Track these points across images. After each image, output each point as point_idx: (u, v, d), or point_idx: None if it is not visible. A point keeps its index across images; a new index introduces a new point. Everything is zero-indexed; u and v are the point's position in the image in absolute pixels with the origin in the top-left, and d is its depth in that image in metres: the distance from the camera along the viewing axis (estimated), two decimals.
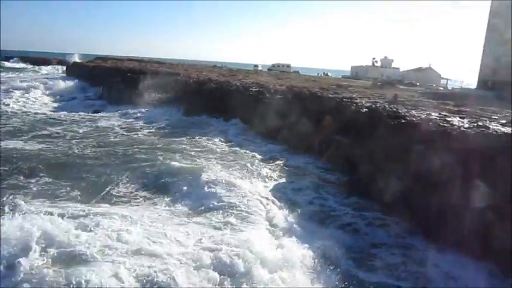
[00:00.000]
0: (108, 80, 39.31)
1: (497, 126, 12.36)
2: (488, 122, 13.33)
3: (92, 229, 9.77)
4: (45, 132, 22.90)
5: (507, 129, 11.73)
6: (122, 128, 25.26)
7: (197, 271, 8.38)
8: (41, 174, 14.56)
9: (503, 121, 13.52)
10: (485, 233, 9.64)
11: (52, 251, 8.53)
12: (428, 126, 13.42)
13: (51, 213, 10.35)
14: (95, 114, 30.22)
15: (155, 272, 8.14)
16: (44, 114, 29.52)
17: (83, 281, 7.54)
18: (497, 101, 23.60)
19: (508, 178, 9.46)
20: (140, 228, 10.32)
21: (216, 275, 8.30)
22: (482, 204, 9.80)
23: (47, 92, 40.30)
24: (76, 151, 18.54)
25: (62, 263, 8.23)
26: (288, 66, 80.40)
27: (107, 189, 13.80)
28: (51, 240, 8.85)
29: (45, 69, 77.43)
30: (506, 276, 8.95)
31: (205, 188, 14.06)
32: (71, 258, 8.35)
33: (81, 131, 23.93)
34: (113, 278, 7.84)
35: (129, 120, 28.21)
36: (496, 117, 14.94)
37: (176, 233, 10.38)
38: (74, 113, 30.07)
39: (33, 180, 13.96)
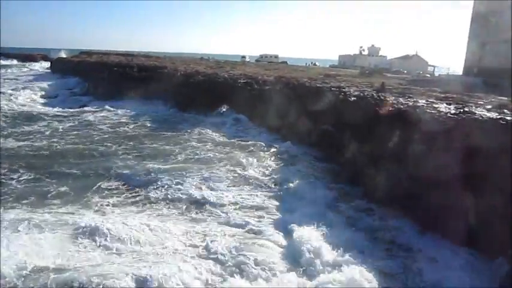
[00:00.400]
0: (94, 75, 38.78)
1: (482, 111, 12.45)
2: (474, 107, 13.43)
3: (90, 237, 9.59)
4: (29, 129, 22.58)
5: (492, 115, 11.83)
6: (107, 124, 24.81)
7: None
8: (23, 172, 14.41)
9: (489, 106, 13.63)
10: (471, 221, 9.75)
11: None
12: (415, 114, 13.48)
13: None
14: (81, 110, 29.72)
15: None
16: (29, 110, 28.99)
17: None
18: (483, 86, 23.84)
19: (493, 165, 9.57)
20: (148, 230, 10.21)
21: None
22: (466, 192, 9.89)
23: (32, 89, 39.56)
24: (59, 147, 18.37)
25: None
26: (276, 56, 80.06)
27: (98, 184, 13.69)
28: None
29: (29, 66, 76.02)
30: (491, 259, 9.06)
31: (205, 183, 14.14)
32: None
33: (66, 126, 23.63)
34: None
35: (116, 115, 27.72)
36: (482, 102, 15.07)
37: (187, 234, 10.42)
38: (59, 109, 29.59)
39: (15, 177, 13.87)
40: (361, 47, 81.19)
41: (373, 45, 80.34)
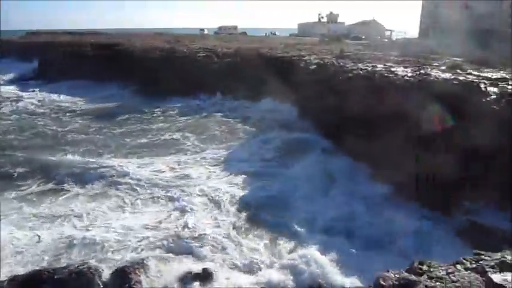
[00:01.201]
0: (43, 57, 36.63)
1: (437, 73, 12.85)
2: (430, 69, 13.83)
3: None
4: None
5: (447, 75, 12.22)
6: (55, 110, 23.36)
7: None
8: None
9: (443, 68, 14.08)
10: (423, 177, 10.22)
11: None
12: (374, 78, 13.72)
13: None
14: (28, 94, 28.01)
15: None
16: None
17: None
18: (438, 48, 24.50)
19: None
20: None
21: None
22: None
23: None
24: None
25: None
26: (235, 28, 78.80)
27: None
28: None
29: None
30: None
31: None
32: None
33: (9, 111, 22.45)
34: None
35: (64, 99, 26.20)
36: (437, 64, 15.53)
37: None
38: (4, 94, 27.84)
39: None
40: (319, 15, 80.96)
41: (331, 13, 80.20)
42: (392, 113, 11.40)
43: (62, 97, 26.68)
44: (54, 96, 26.80)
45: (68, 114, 22.14)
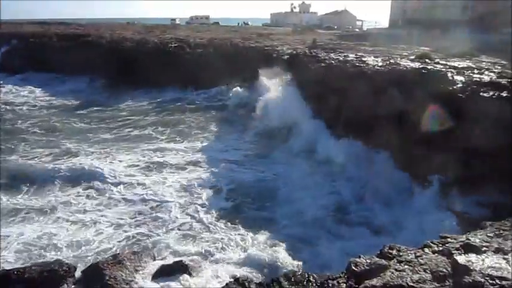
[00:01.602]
0: (6, 48, 35.01)
1: (407, 62, 13.13)
2: (399, 59, 14.11)
3: None
4: None
5: (416, 65, 12.51)
6: (14, 104, 22.19)
7: None
8: None
9: (412, 57, 14.39)
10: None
11: None
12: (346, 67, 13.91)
13: None
14: None
15: None
16: None
17: None
18: (407, 38, 25.01)
19: None
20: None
21: None
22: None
23: None
24: None
25: None
26: (207, 18, 78.00)
27: None
28: None
29: None
30: None
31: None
32: None
33: None
34: None
35: (27, 94, 24.98)
36: (406, 54, 15.86)
37: None
38: None
39: None
40: (292, 4, 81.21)
41: (303, 2, 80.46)
42: (365, 102, 11.64)
43: (26, 91, 25.47)
44: (19, 90, 25.62)
45: (29, 108, 21.26)
